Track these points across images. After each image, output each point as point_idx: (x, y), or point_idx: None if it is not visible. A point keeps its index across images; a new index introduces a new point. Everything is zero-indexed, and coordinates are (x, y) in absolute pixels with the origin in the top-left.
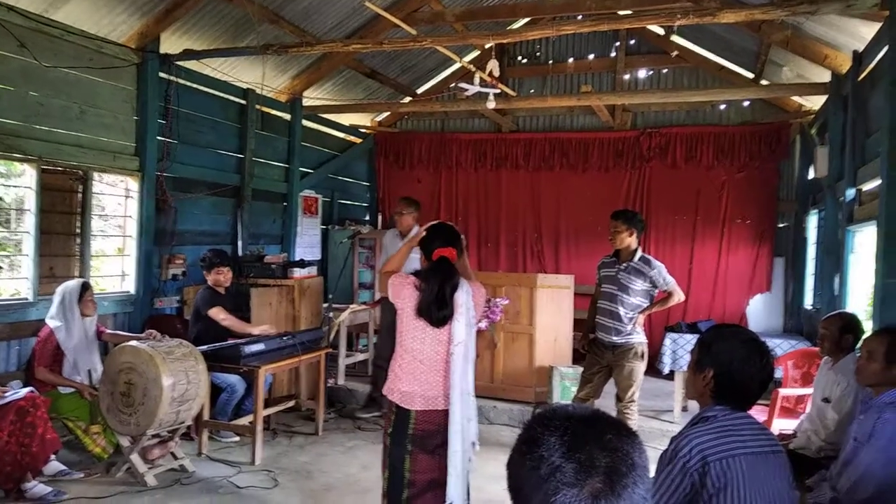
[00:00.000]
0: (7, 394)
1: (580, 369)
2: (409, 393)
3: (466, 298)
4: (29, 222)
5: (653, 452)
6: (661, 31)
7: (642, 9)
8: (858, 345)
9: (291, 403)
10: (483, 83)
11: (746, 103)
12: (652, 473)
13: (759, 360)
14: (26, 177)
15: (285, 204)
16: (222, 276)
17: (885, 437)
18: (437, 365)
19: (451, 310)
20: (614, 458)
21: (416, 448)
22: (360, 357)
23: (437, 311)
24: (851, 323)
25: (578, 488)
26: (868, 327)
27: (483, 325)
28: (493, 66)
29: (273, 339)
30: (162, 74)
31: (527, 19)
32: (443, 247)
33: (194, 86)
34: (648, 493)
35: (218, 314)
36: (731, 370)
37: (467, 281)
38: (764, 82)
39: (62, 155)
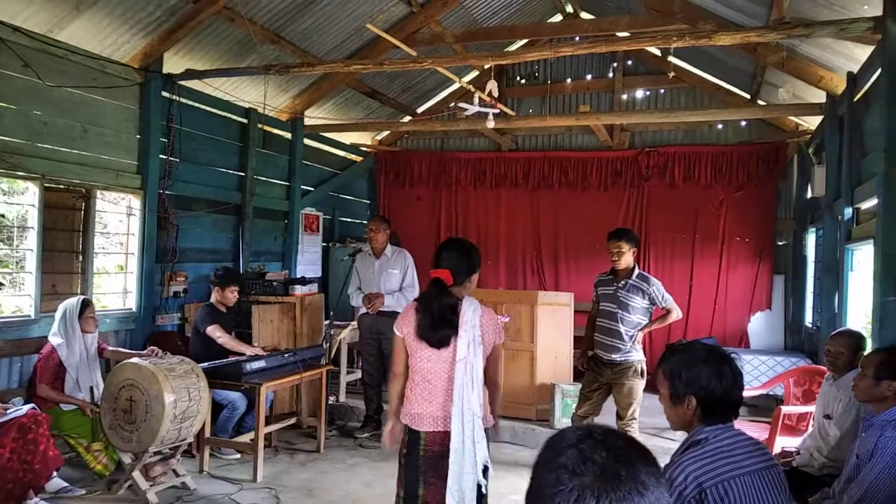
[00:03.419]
0: (9, 411)
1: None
2: (419, 414)
3: (472, 315)
4: (31, 239)
5: None
6: (657, 52)
7: (639, 31)
8: None
9: (293, 421)
10: (482, 103)
11: (744, 123)
12: None
13: (728, 369)
14: (29, 194)
15: (286, 221)
16: (232, 296)
17: (888, 455)
18: (443, 384)
19: (454, 329)
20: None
21: (429, 472)
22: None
23: (432, 332)
24: (863, 340)
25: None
26: (869, 345)
27: None
28: (492, 86)
29: (274, 356)
30: (165, 94)
31: (525, 40)
32: (434, 268)
33: (197, 105)
34: None
35: (214, 332)
36: (711, 390)
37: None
38: (761, 102)
39: (65, 173)
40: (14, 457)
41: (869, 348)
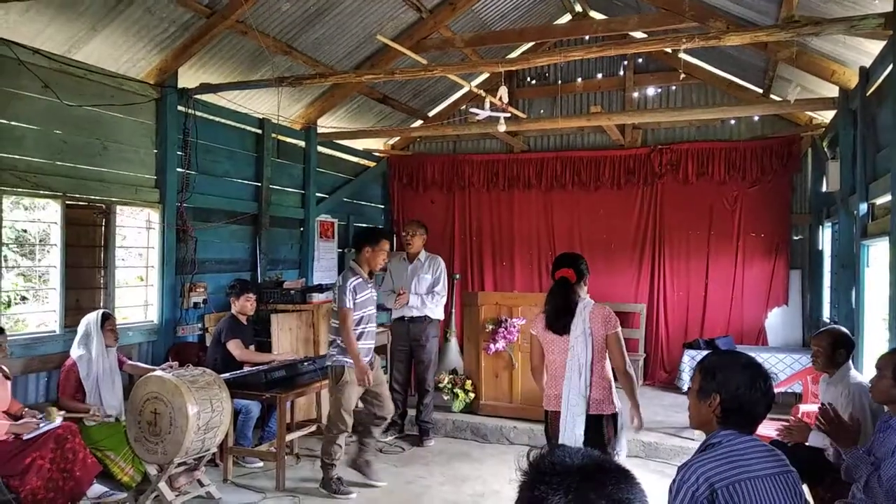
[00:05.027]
0: (41, 425)
1: None
2: (548, 395)
3: (583, 309)
4: (55, 256)
5: (673, 470)
6: (668, 49)
7: (649, 30)
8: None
9: (314, 428)
10: (493, 107)
11: (756, 118)
12: None
13: (762, 384)
14: (51, 212)
15: (302, 229)
16: (249, 304)
17: None
18: (562, 371)
19: (573, 316)
20: None
21: None
22: None
23: (555, 320)
24: (843, 338)
25: None
26: (886, 340)
27: (500, 345)
28: (502, 92)
29: (294, 364)
30: (180, 108)
31: (534, 42)
32: (556, 271)
33: (212, 118)
34: None
35: (234, 349)
36: (738, 395)
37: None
38: (774, 97)
39: (86, 190)
40: (53, 467)
41: (886, 345)
